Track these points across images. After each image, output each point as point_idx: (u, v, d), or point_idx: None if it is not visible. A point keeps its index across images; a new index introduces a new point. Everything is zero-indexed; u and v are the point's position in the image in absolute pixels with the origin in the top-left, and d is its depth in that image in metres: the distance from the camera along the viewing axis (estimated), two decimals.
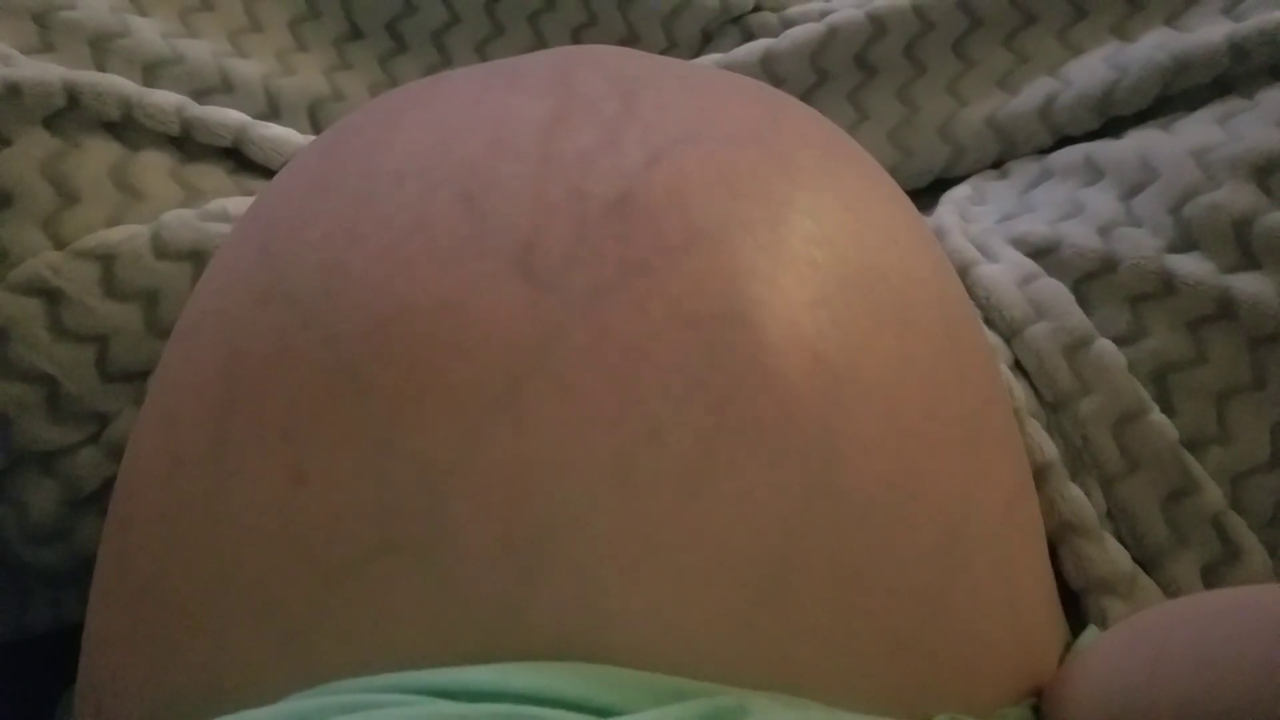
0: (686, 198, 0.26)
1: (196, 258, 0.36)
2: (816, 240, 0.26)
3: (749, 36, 0.48)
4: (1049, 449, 0.33)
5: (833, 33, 0.44)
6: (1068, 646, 0.29)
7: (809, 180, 0.28)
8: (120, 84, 0.37)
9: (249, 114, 0.40)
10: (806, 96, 0.45)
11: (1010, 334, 0.35)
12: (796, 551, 0.23)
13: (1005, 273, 0.36)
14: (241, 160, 0.40)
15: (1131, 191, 0.37)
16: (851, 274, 0.26)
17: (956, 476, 0.26)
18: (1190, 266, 0.34)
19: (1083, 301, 0.35)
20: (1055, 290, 0.35)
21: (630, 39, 0.49)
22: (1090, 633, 0.30)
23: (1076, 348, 0.34)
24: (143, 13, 0.42)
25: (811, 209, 0.27)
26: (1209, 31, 0.39)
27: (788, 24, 0.47)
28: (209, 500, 0.25)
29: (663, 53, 0.49)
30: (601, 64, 0.30)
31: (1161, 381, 0.34)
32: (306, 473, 0.24)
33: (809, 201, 0.27)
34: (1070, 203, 0.38)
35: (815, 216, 0.26)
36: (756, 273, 0.25)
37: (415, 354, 0.24)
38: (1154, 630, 0.26)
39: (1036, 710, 0.27)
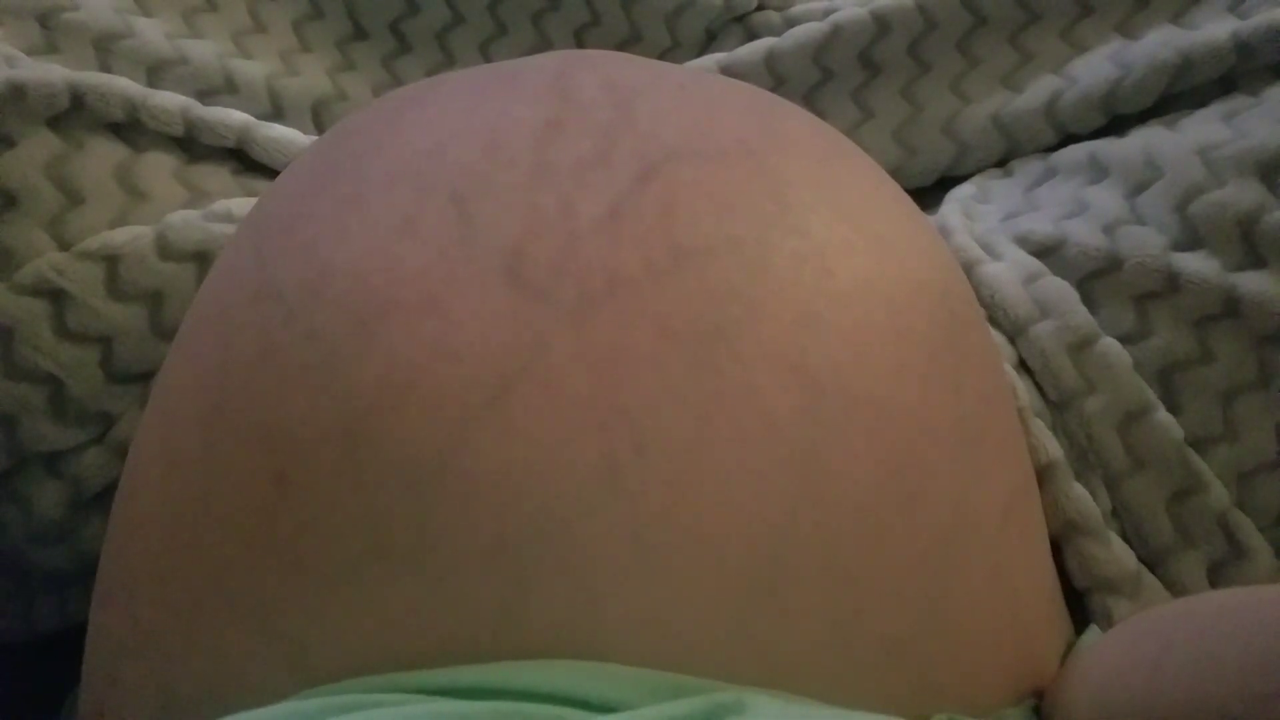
0: (674, 217, 0.26)
1: (201, 259, 0.36)
2: (803, 257, 0.26)
3: (752, 35, 0.48)
4: (1053, 449, 0.32)
5: (836, 31, 0.44)
6: (1070, 646, 0.29)
7: (801, 194, 0.28)
8: (125, 85, 0.37)
9: (253, 114, 0.41)
10: (810, 95, 0.45)
11: (1015, 333, 0.35)
12: (786, 555, 0.23)
13: (1009, 271, 0.36)
14: (246, 161, 0.40)
15: (1136, 189, 0.36)
16: (840, 288, 0.26)
17: (953, 479, 0.26)
18: (1195, 265, 0.34)
19: (1087, 300, 0.35)
20: (1060, 289, 0.35)
21: (633, 38, 0.49)
22: (1091, 633, 0.30)
23: (1081, 346, 0.34)
24: (146, 14, 0.42)
25: (801, 225, 0.27)
26: (1215, 28, 0.38)
27: (791, 23, 0.47)
28: (200, 503, 0.25)
29: (666, 52, 0.49)
30: (599, 70, 0.30)
31: (1167, 380, 0.34)
32: (287, 475, 0.23)
33: (799, 217, 0.27)
34: (1075, 201, 0.38)
35: (804, 233, 0.27)
36: (738, 293, 0.25)
37: (396, 351, 0.24)
38: (1155, 631, 0.26)
39: (1037, 711, 0.27)
